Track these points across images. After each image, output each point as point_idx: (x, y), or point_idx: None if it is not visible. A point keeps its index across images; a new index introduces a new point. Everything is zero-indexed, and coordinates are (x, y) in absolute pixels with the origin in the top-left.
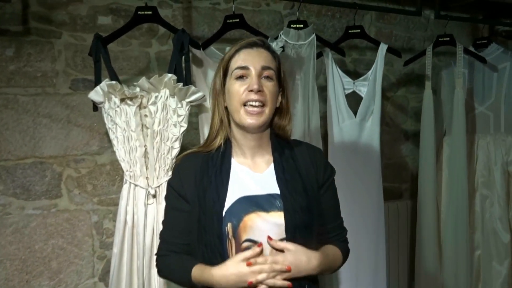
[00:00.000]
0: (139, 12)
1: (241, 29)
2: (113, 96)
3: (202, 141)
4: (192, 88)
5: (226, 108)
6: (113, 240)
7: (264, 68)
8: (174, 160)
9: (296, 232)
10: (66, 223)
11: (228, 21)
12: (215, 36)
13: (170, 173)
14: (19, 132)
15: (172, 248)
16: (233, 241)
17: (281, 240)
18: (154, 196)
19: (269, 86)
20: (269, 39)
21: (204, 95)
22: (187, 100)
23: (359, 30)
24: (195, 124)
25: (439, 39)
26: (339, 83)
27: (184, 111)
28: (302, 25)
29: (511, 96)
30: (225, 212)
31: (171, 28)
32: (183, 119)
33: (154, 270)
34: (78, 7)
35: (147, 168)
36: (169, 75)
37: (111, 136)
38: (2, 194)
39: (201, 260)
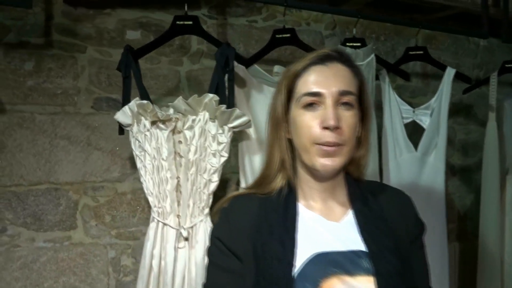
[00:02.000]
0: (178, 22)
1: (291, 45)
2: (143, 118)
3: (241, 173)
4: (237, 111)
5: (289, 140)
6: (136, 286)
7: (343, 93)
8: (211, 196)
9: None
10: (79, 258)
11: (277, 36)
12: (262, 52)
13: (206, 211)
14: (34, 155)
15: None
16: None
17: None
18: (187, 238)
19: (348, 118)
20: None
21: (250, 120)
22: (230, 125)
23: (421, 52)
24: (233, 149)
25: (506, 65)
26: (396, 111)
27: (225, 138)
28: (359, 44)
29: None
30: (296, 275)
31: (214, 41)
32: (224, 147)
33: None
34: (105, 20)
35: (179, 205)
36: (210, 95)
37: (138, 164)
38: (11, 224)
39: None
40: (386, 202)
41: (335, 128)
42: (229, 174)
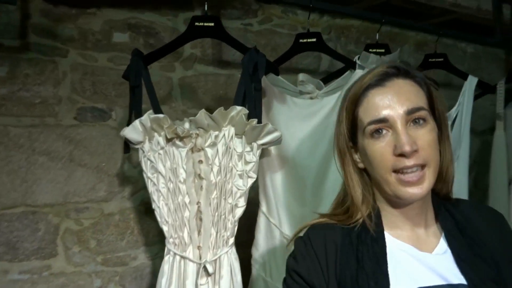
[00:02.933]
0: (197, 24)
1: (317, 51)
2: (156, 135)
3: (261, 194)
4: (269, 126)
5: (364, 169)
6: None
7: (411, 111)
8: (236, 223)
9: None
10: None
11: (301, 40)
12: (283, 58)
13: (231, 241)
14: (8, 174)
15: None
16: None
17: None
18: (210, 274)
19: (425, 135)
20: (356, 66)
21: (281, 135)
22: (260, 142)
23: (442, 59)
24: None
25: None
26: None
27: (254, 156)
28: (383, 50)
29: None
30: None
31: (239, 45)
32: (252, 167)
33: None
34: (90, 20)
35: (199, 234)
36: (238, 107)
37: (150, 188)
38: None
39: None
40: (480, 223)
41: (414, 152)
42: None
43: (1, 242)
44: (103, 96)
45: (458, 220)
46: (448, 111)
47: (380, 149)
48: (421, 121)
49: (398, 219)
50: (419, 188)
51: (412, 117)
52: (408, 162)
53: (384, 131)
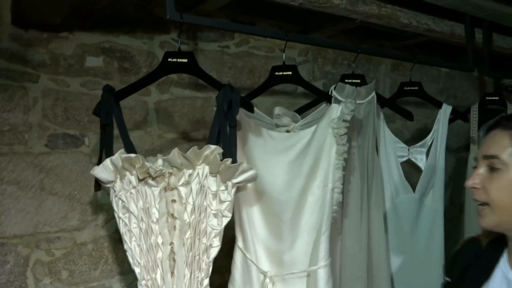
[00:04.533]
0: (170, 60)
1: (292, 83)
2: (128, 174)
3: (237, 229)
4: (244, 165)
5: None
6: None
7: (486, 157)
8: (211, 264)
9: None
10: None
11: (277, 73)
12: (258, 91)
13: (205, 282)
14: None
15: None
16: None
17: None
18: None
19: (493, 179)
20: (332, 100)
21: (257, 174)
22: (235, 180)
23: (417, 88)
24: None
25: (487, 98)
26: (391, 149)
27: (229, 195)
28: (359, 80)
29: None
30: None
31: (214, 82)
32: (227, 206)
33: None
34: (62, 44)
35: (172, 275)
36: (213, 146)
37: (122, 229)
38: None
39: None
40: None
41: (473, 188)
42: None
43: None
44: (75, 122)
45: None
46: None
47: None
48: (493, 169)
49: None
50: (481, 221)
51: (487, 163)
52: (472, 195)
53: None
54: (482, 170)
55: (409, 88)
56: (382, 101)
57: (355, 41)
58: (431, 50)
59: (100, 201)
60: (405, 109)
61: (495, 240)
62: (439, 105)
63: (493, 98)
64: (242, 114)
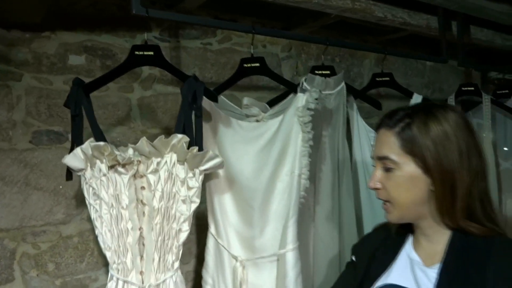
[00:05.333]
0: (137, 53)
1: (261, 75)
2: (98, 161)
3: (209, 216)
4: (210, 153)
5: None
6: None
7: (379, 158)
8: (181, 247)
9: None
10: None
11: (246, 65)
12: (227, 83)
13: (176, 265)
14: None
15: None
16: None
17: None
18: None
19: (389, 178)
20: (298, 89)
21: (223, 161)
22: (202, 168)
23: (388, 78)
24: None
25: (462, 88)
26: (365, 139)
27: (196, 182)
28: (329, 72)
29: None
30: None
31: (179, 73)
32: (195, 192)
33: None
34: (44, 44)
35: (141, 259)
36: (179, 135)
37: (93, 215)
38: None
39: None
40: (490, 267)
41: (375, 189)
42: (202, 221)
43: None
44: (59, 119)
45: (468, 255)
46: None
47: None
48: (389, 169)
49: (417, 234)
50: (387, 215)
51: (382, 164)
52: (376, 195)
53: None
54: (379, 170)
55: (380, 79)
56: (353, 92)
57: (338, 37)
58: (415, 45)
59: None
60: (374, 99)
61: (403, 225)
62: (410, 95)
63: (468, 88)
64: (213, 106)
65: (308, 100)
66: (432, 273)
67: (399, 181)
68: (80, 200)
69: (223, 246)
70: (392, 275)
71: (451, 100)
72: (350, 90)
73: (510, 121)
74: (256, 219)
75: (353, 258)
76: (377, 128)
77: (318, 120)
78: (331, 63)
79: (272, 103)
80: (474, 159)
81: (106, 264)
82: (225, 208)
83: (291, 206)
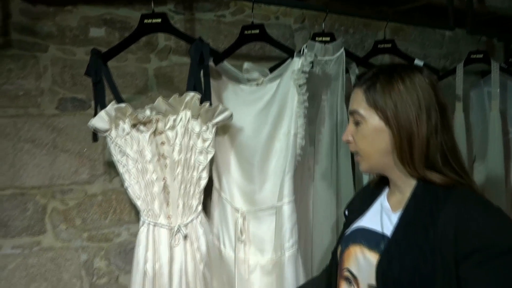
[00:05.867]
0: (146, 21)
1: (260, 41)
2: (121, 122)
3: (214, 173)
4: (221, 107)
5: None
6: None
7: (351, 113)
8: (202, 193)
9: (384, 284)
10: (50, 263)
11: (246, 32)
12: (231, 49)
13: (199, 208)
14: None
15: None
16: (339, 265)
17: (372, 287)
18: (186, 236)
19: (358, 131)
20: (295, 54)
21: (232, 114)
22: (214, 121)
23: (390, 45)
24: None
25: (471, 56)
26: None
27: (210, 134)
28: (329, 38)
29: None
30: (344, 236)
31: (185, 37)
32: (210, 143)
33: None
34: (67, 17)
35: (168, 205)
36: (192, 93)
37: (121, 170)
38: None
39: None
40: (445, 213)
41: (348, 142)
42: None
43: None
44: (82, 87)
45: (425, 203)
46: None
47: None
48: (358, 123)
49: (391, 186)
50: (359, 165)
51: (353, 118)
52: (349, 148)
53: None
54: (351, 125)
55: (382, 46)
56: (355, 59)
57: (353, 8)
58: (431, 15)
59: (108, 159)
60: (373, 64)
61: (381, 180)
62: (411, 61)
63: (477, 56)
64: (218, 71)
65: (303, 64)
66: (395, 218)
67: (365, 133)
68: (102, 163)
69: (226, 199)
70: (364, 220)
71: (460, 68)
72: (352, 56)
73: None
74: (256, 175)
75: (346, 213)
76: (353, 87)
77: (317, 85)
78: (344, 34)
79: (273, 68)
80: (433, 114)
81: (127, 221)
82: (228, 165)
83: (287, 163)
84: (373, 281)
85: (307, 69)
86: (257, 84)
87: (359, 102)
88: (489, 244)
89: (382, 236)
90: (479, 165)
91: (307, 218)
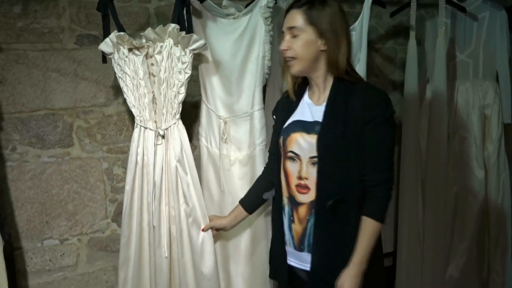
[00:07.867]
0: None
1: None
2: (121, 47)
3: (202, 91)
4: (194, 36)
5: None
6: (126, 179)
7: (288, 28)
8: (180, 105)
9: (325, 152)
10: (79, 169)
11: None
12: None
13: (177, 116)
14: (31, 86)
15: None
16: (283, 150)
17: (312, 158)
18: (163, 136)
19: (296, 41)
20: None
21: (206, 44)
22: (190, 48)
23: None
24: (195, 77)
25: None
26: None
27: (187, 58)
28: None
29: (489, 44)
30: (283, 129)
31: None
32: (187, 66)
33: (163, 204)
34: None
35: (155, 113)
36: (173, 25)
37: (121, 84)
38: (19, 144)
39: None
40: (355, 94)
41: (284, 50)
42: (197, 96)
43: (32, 135)
44: (95, 25)
45: (341, 91)
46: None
47: None
48: (296, 36)
49: (313, 86)
50: (292, 68)
51: (291, 33)
52: (285, 54)
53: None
54: (287, 37)
55: None
56: None
57: None
58: None
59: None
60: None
61: (301, 83)
62: None
63: None
64: (201, 7)
65: (268, 0)
66: (321, 108)
67: (302, 42)
68: (116, 89)
69: (211, 109)
70: (296, 115)
71: (414, 2)
72: None
73: (469, 18)
74: (234, 89)
75: (274, 117)
76: (288, 9)
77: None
78: None
79: (248, 5)
80: (347, 30)
81: None
82: (212, 82)
83: (257, 79)
84: (312, 154)
85: (271, 4)
86: (234, 18)
87: (298, 20)
88: (379, 114)
89: (315, 122)
90: (430, 86)
91: None
